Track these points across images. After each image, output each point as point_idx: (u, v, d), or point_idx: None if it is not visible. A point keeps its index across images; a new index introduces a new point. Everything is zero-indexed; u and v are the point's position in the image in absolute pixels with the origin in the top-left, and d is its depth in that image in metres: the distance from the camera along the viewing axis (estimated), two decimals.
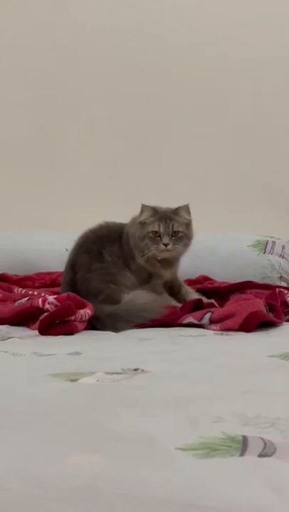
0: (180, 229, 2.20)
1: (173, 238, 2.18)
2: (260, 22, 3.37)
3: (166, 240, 2.16)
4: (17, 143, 3.49)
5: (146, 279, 2.23)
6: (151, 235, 2.18)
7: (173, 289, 2.30)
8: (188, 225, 2.24)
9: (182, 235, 2.20)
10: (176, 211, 2.23)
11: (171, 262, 2.25)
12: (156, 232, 2.18)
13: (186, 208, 2.25)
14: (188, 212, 2.25)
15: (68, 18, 3.49)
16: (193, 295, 2.28)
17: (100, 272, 2.19)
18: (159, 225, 2.18)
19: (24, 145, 3.49)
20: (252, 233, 2.94)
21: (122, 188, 3.36)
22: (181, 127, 3.42)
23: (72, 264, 2.27)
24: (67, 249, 2.36)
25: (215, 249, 2.85)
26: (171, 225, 2.18)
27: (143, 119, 3.42)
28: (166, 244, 2.16)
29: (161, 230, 2.17)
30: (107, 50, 3.44)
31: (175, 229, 2.19)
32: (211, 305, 2.18)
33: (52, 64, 3.49)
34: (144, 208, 2.23)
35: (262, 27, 3.37)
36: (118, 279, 2.19)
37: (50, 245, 2.97)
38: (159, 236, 2.17)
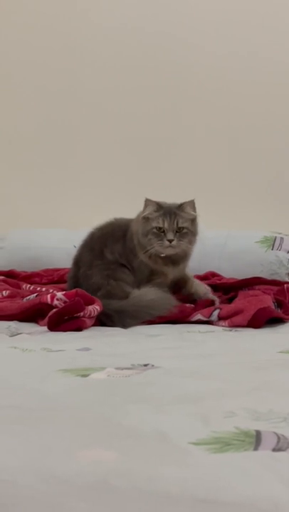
0: (185, 225, 2.14)
1: (177, 234, 2.12)
2: (265, 22, 3.36)
3: (170, 236, 2.10)
4: (25, 144, 3.49)
5: (147, 277, 2.19)
6: (155, 230, 2.12)
7: (178, 284, 2.26)
8: (193, 220, 2.18)
9: (187, 231, 2.14)
10: (181, 207, 2.16)
11: (175, 260, 2.19)
12: (160, 227, 2.12)
13: (192, 203, 2.19)
14: (194, 208, 2.19)
15: (77, 19, 3.48)
16: (200, 287, 2.23)
17: (100, 268, 2.18)
18: (163, 221, 2.11)
19: (31, 145, 3.49)
20: (260, 229, 2.94)
21: (129, 186, 3.35)
22: (187, 124, 3.41)
23: (77, 260, 2.28)
24: (75, 246, 2.37)
25: (223, 246, 2.84)
26: (175, 221, 2.12)
27: (149, 117, 3.42)
28: (170, 241, 2.10)
29: (166, 225, 2.11)
30: (116, 50, 3.43)
31: (180, 225, 2.12)
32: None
33: (60, 64, 3.49)
34: (147, 202, 2.17)
35: (265, 27, 3.36)
36: (118, 274, 2.17)
37: (58, 242, 2.98)
38: (163, 232, 2.11)
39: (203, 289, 2.24)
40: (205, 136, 3.40)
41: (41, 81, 3.50)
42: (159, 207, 2.16)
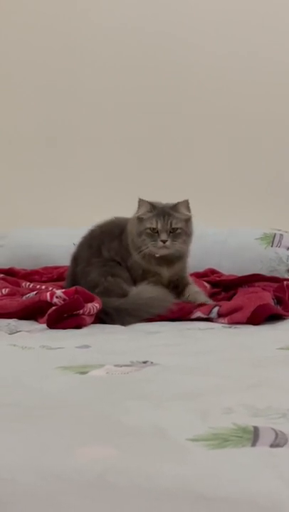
0: (179, 225, 2.13)
1: (171, 235, 2.11)
2: (265, 22, 3.36)
3: (164, 236, 2.10)
4: (25, 144, 3.49)
5: (141, 276, 2.18)
6: (148, 231, 2.12)
7: (177, 288, 2.23)
8: (187, 221, 2.18)
9: (181, 232, 2.14)
10: (175, 207, 2.16)
11: (170, 261, 2.18)
12: (153, 228, 2.11)
13: (186, 203, 2.18)
14: (188, 208, 2.19)
15: (77, 19, 3.48)
16: (199, 296, 2.19)
17: (97, 265, 2.18)
18: (156, 222, 2.11)
19: (31, 145, 3.49)
20: (259, 226, 2.94)
21: (128, 186, 3.32)
22: (187, 124, 3.40)
23: (75, 257, 2.28)
24: (74, 244, 2.37)
25: (223, 243, 2.84)
26: (169, 222, 2.11)
27: (149, 117, 3.41)
28: (164, 241, 2.09)
29: (159, 226, 2.10)
30: (116, 50, 3.42)
31: (174, 225, 2.12)
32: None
33: (60, 64, 3.48)
34: (141, 202, 2.17)
35: (265, 27, 3.36)
36: (116, 272, 2.17)
37: (58, 240, 2.98)
38: (157, 232, 2.11)
39: (203, 297, 2.19)
40: (205, 136, 3.39)
41: (41, 81, 3.50)
42: (153, 207, 2.15)
